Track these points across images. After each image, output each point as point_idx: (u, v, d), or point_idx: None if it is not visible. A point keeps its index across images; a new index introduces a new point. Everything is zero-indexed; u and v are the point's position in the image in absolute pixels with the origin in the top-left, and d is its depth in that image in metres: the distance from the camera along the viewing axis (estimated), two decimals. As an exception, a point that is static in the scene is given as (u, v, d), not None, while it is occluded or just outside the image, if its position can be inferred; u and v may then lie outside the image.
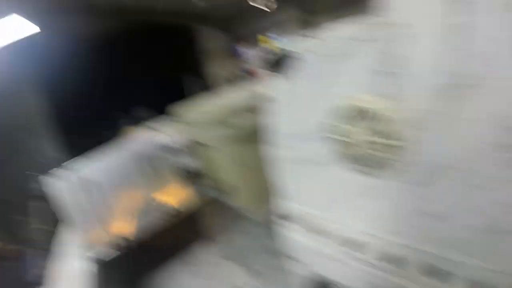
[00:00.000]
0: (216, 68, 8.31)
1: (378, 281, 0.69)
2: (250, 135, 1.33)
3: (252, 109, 1.35)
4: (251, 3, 5.36)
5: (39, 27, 4.22)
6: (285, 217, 0.96)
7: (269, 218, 1.34)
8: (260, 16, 7.20)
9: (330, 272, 0.80)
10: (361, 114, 0.67)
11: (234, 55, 8.38)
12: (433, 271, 0.65)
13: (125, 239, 1.06)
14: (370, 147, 0.68)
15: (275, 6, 5.19)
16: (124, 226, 1.08)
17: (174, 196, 1.20)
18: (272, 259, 1.41)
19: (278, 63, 0.77)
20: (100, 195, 1.06)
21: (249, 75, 6.01)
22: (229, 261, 1.47)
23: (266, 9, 5.28)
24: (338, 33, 0.65)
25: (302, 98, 0.81)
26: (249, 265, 1.41)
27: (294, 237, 0.90)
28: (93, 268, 1.06)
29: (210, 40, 8.39)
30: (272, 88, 0.87)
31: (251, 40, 7.75)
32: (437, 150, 0.59)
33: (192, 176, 2.04)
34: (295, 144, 0.89)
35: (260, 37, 7.00)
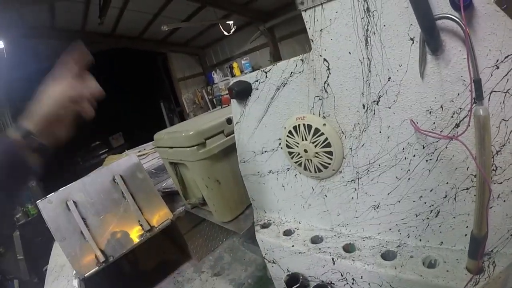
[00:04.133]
0: (188, 93, 8.46)
1: (341, 267, 0.79)
2: (221, 153, 1.45)
3: (222, 130, 1.48)
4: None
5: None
6: (259, 224, 1.07)
7: (245, 228, 1.43)
8: (232, 44, 7.54)
9: (301, 267, 0.90)
10: (305, 130, 0.82)
11: (207, 80, 8.61)
12: (383, 254, 0.74)
13: (108, 256, 1.11)
14: (315, 155, 0.83)
15: (233, 28, 5.52)
16: (106, 244, 1.13)
17: (154, 214, 1.27)
18: (258, 271, 1.45)
19: (236, 89, 0.91)
20: (81, 215, 1.12)
21: (220, 99, 6.19)
22: (218, 277, 1.50)
23: (226, 33, 5.60)
24: (279, 67, 0.81)
25: (258, 119, 0.95)
26: (236, 280, 1.44)
27: (269, 241, 0.98)
28: (79, 286, 1.09)
29: (183, 66, 8.60)
30: (234, 111, 1.02)
31: (224, 66, 8.05)
32: (364, 152, 0.74)
33: (170, 195, 2.08)
34: (256, 158, 1.03)
35: (233, 63, 7.32)
